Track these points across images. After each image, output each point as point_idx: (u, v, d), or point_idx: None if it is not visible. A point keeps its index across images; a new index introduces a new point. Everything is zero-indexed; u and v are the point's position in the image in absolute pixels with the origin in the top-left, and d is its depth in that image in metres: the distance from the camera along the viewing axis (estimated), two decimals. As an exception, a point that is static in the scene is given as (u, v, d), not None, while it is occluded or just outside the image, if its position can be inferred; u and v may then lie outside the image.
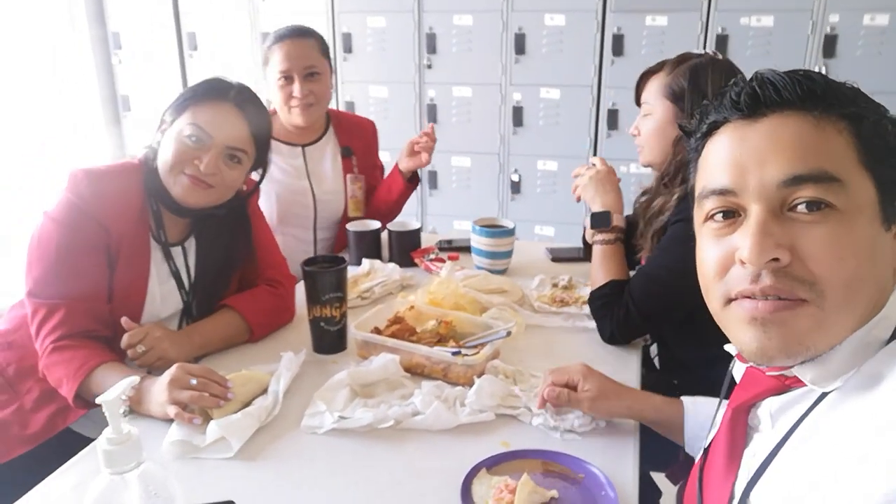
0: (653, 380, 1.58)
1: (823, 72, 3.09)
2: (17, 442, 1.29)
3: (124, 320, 1.26)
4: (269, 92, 2.00)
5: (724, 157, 0.70)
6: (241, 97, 1.37)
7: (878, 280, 0.66)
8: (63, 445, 1.25)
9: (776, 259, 0.64)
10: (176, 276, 1.41)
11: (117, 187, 1.32)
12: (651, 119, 1.51)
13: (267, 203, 2.03)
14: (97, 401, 0.64)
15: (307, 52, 1.94)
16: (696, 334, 1.42)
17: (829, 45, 3.07)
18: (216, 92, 1.35)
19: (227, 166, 1.34)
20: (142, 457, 0.66)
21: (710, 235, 0.72)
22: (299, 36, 1.94)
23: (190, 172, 1.31)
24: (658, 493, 1.58)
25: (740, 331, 0.69)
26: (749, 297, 0.67)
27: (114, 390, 0.65)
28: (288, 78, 1.93)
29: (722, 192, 0.69)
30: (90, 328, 1.27)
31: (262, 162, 1.45)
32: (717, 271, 0.70)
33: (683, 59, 1.49)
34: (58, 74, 3.73)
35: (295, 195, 2.05)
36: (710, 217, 0.72)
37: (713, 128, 0.74)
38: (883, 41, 3.02)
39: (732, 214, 0.70)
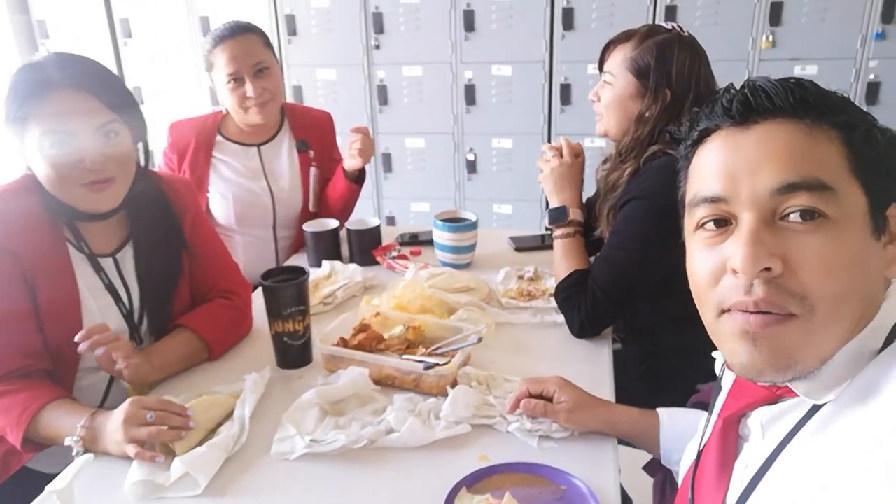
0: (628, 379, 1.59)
1: (770, 40, 3.12)
2: None
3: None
4: (220, 95, 1.91)
5: (716, 165, 0.69)
6: (68, 72, 1.17)
7: (867, 291, 0.65)
8: (20, 485, 1.18)
9: (768, 269, 0.63)
10: (110, 288, 1.30)
11: (19, 207, 1.21)
12: (611, 90, 1.49)
13: (224, 205, 1.96)
14: (47, 490, 0.58)
15: (251, 49, 1.85)
16: (669, 310, 1.43)
17: (776, 13, 3.09)
18: (43, 85, 1.15)
19: (110, 145, 1.20)
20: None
21: (701, 244, 0.71)
22: (240, 33, 1.84)
23: (83, 182, 1.19)
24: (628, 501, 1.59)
25: (732, 344, 0.68)
26: (742, 311, 0.65)
27: (65, 476, 0.59)
28: (238, 80, 1.84)
29: (713, 200, 0.68)
30: (22, 365, 1.18)
31: (135, 113, 1.27)
32: (710, 281, 0.69)
33: (651, 33, 1.45)
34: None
35: (252, 196, 1.97)
36: (701, 225, 0.71)
37: (704, 135, 0.72)
38: (826, 7, 3.06)
39: (724, 223, 0.68)
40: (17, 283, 1.20)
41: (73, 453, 1.04)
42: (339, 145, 2.16)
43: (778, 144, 0.65)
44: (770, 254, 0.63)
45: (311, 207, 2.05)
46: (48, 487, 0.59)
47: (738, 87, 0.70)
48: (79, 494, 0.65)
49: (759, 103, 0.67)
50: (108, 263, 1.31)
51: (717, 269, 0.68)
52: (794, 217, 0.63)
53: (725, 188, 0.67)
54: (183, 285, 1.42)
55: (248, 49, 1.84)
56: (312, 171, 2.03)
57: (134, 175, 1.28)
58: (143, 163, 1.32)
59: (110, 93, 1.21)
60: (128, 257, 1.34)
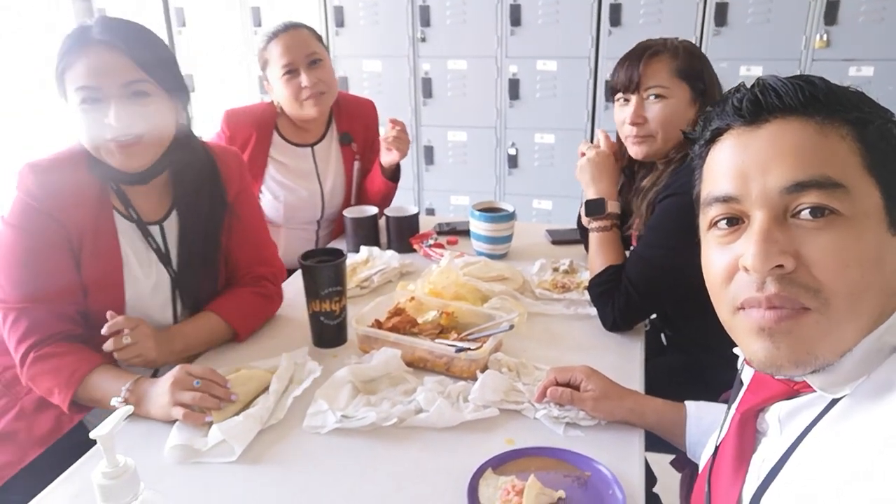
0: (661, 364, 1.58)
1: (825, 39, 3.04)
2: (28, 446, 1.25)
3: (110, 314, 1.20)
4: (275, 92, 1.94)
5: (727, 165, 0.70)
6: (104, 30, 1.19)
7: (884, 286, 0.65)
8: (78, 445, 1.23)
9: (780, 266, 0.64)
10: (158, 252, 1.34)
11: (67, 176, 1.24)
12: (667, 104, 1.43)
13: (274, 205, 2.00)
14: (91, 436, 0.62)
15: (305, 41, 1.88)
16: (700, 309, 1.41)
17: (831, 12, 3.01)
18: (78, 41, 1.19)
19: (140, 105, 1.20)
20: (139, 487, 0.64)
21: (715, 242, 0.72)
22: (292, 28, 1.89)
23: (110, 137, 1.19)
24: (653, 480, 1.58)
25: (749, 340, 0.68)
26: (756, 307, 0.66)
27: (107, 423, 0.62)
28: (292, 71, 1.87)
29: (725, 200, 0.69)
30: (61, 329, 1.22)
31: (177, 83, 1.28)
32: (724, 278, 0.70)
33: (670, 43, 1.45)
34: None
35: (303, 200, 2.01)
36: (714, 224, 0.72)
37: (716, 134, 0.73)
38: (885, 6, 2.97)
39: (737, 221, 0.69)
40: (62, 252, 1.23)
41: (113, 404, 1.09)
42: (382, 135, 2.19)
43: (787, 143, 0.65)
44: (781, 251, 0.63)
45: (352, 202, 2.09)
46: (92, 433, 0.63)
47: (748, 86, 0.70)
48: (119, 452, 0.69)
49: (768, 102, 0.67)
50: (154, 231, 1.34)
51: (730, 267, 0.69)
52: (805, 214, 0.64)
53: (737, 187, 0.68)
54: (220, 259, 1.43)
55: (302, 40, 1.88)
56: (356, 165, 2.06)
57: (172, 138, 1.28)
58: (186, 126, 1.33)
59: (141, 50, 1.21)
60: (173, 225, 1.36)
